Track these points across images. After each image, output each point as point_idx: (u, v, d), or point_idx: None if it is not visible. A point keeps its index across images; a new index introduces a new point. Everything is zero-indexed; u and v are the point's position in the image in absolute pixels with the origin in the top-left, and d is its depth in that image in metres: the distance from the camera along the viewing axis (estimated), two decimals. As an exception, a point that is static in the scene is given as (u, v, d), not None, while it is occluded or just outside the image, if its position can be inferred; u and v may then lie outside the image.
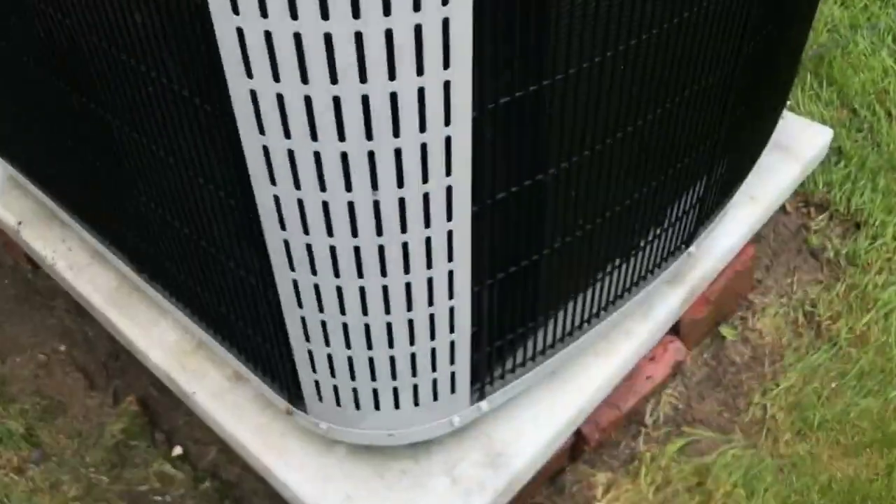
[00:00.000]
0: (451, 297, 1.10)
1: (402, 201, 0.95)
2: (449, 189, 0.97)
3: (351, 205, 0.95)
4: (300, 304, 1.09)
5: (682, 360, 1.91)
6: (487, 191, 1.02)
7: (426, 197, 0.96)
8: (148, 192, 1.25)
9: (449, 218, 0.99)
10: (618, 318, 1.54)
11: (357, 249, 1.00)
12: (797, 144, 1.97)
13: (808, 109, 2.59)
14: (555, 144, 1.07)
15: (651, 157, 1.25)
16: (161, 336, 1.61)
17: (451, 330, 1.15)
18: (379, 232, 0.98)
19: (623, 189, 1.25)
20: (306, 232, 0.99)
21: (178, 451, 1.87)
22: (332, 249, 1.00)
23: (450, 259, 1.05)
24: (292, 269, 1.04)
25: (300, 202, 0.95)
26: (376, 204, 0.95)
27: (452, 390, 1.26)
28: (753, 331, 2.06)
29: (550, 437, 1.43)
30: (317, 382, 1.22)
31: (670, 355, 1.88)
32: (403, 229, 0.98)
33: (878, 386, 1.88)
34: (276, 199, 0.96)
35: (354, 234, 0.98)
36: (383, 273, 1.03)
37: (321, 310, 1.09)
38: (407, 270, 1.03)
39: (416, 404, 1.25)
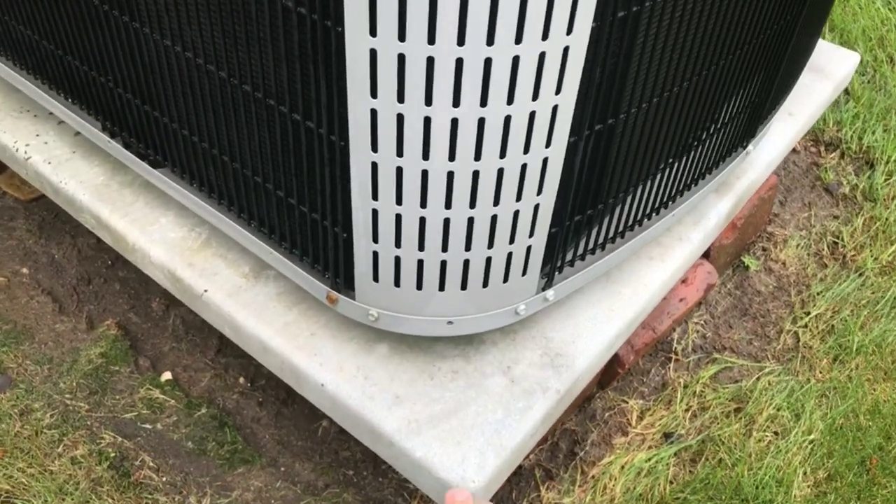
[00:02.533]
0: (548, 144, 0.96)
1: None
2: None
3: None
4: (374, 147, 0.93)
5: (713, 284, 1.81)
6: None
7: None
8: (173, 32, 1.07)
9: (569, 31, 0.85)
10: (676, 221, 1.43)
11: (459, 64, 0.84)
12: (829, 66, 1.91)
13: (816, 50, 2.54)
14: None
15: (734, 70, 1.14)
16: (162, 233, 1.41)
17: (539, 190, 1.01)
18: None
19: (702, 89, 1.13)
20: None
21: (167, 376, 1.66)
22: (430, 61, 0.84)
23: (558, 91, 0.90)
24: (374, 94, 0.88)
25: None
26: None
27: (524, 271, 1.12)
28: (776, 261, 1.98)
29: (610, 338, 1.30)
30: (375, 255, 1.06)
31: (702, 278, 1.78)
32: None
33: (911, 312, 1.82)
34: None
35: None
36: (483, 103, 0.88)
37: (399, 153, 0.93)
38: (511, 101, 0.88)
39: (485, 285, 1.10)
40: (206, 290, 1.33)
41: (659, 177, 1.26)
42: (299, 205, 1.10)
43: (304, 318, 1.28)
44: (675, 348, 1.78)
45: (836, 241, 2.02)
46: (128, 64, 1.20)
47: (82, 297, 1.83)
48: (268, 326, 1.27)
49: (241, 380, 1.68)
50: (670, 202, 1.35)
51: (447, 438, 1.15)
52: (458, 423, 1.16)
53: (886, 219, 2.05)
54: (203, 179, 1.27)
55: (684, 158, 1.29)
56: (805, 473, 1.52)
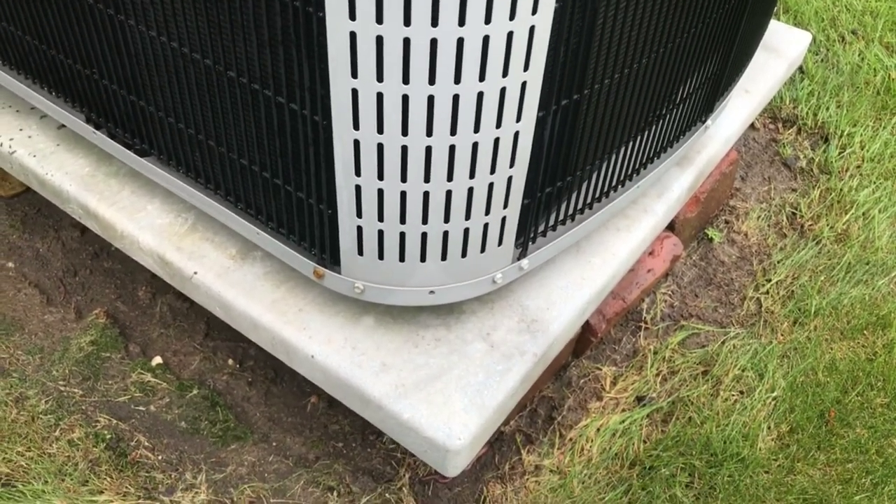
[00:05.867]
0: (518, 119, 1.03)
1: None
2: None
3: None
4: (356, 125, 0.99)
5: (679, 255, 1.90)
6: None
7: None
8: (158, 23, 1.12)
9: (534, 11, 0.92)
10: (641, 193, 1.51)
11: (433, 44, 0.91)
12: (782, 45, 2.00)
13: (772, 31, 2.64)
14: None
15: (691, 46, 1.22)
16: (150, 220, 1.47)
17: (512, 163, 1.08)
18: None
19: (662, 64, 1.21)
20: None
21: (157, 360, 1.72)
22: (406, 41, 0.91)
23: (525, 68, 0.97)
24: (354, 75, 0.94)
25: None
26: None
27: (500, 241, 1.19)
28: (738, 233, 2.07)
29: (582, 304, 1.38)
30: (359, 230, 1.12)
31: (668, 250, 1.87)
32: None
33: (866, 276, 1.93)
34: None
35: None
36: (457, 80, 0.95)
37: (380, 130, 0.99)
38: (482, 78, 0.95)
39: (464, 255, 1.17)
40: (195, 273, 1.38)
41: (624, 150, 1.34)
42: (285, 184, 1.16)
43: (292, 294, 1.34)
44: (645, 317, 1.86)
45: (795, 212, 2.12)
46: (114, 56, 1.25)
47: (69, 289, 1.87)
48: (257, 304, 1.33)
49: (230, 361, 1.73)
50: (634, 174, 1.43)
51: (432, 400, 1.22)
52: (442, 386, 1.24)
53: (840, 189, 2.15)
54: (190, 165, 1.32)
55: (647, 132, 1.37)
56: (769, 428, 1.61)
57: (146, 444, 1.57)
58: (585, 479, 1.56)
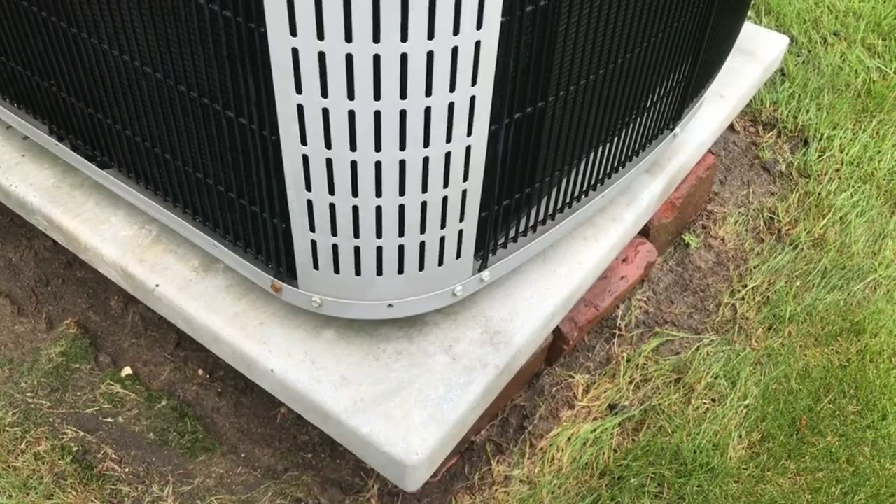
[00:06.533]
0: (469, 133, 1.02)
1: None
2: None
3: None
4: (303, 140, 0.98)
5: (653, 262, 1.89)
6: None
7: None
8: (109, 36, 1.11)
9: (479, 26, 0.91)
10: (607, 202, 1.50)
11: (377, 59, 0.90)
12: (758, 49, 1.99)
13: (752, 33, 2.63)
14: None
15: (654, 55, 1.21)
16: (113, 232, 1.46)
17: (465, 177, 1.07)
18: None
19: (625, 70, 1.20)
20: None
21: (127, 371, 1.71)
22: (349, 57, 0.90)
23: (473, 83, 0.96)
24: (299, 91, 0.93)
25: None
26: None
27: (458, 254, 1.18)
28: (716, 238, 2.06)
29: (547, 315, 1.37)
30: (314, 243, 1.11)
31: (642, 256, 1.86)
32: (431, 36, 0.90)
33: (841, 281, 1.92)
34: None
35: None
36: (402, 95, 0.94)
37: (328, 145, 0.98)
38: (429, 93, 0.94)
39: (421, 268, 1.16)
40: (157, 285, 1.37)
41: (587, 159, 1.33)
42: (239, 198, 1.15)
43: (253, 307, 1.33)
44: (619, 324, 1.85)
45: (773, 216, 2.11)
46: (69, 69, 1.24)
47: (41, 299, 1.86)
48: (218, 317, 1.32)
49: (201, 371, 1.72)
50: (599, 184, 1.42)
51: (391, 415, 1.21)
52: (401, 400, 1.23)
53: (819, 193, 2.14)
54: (149, 178, 1.31)
55: (611, 141, 1.36)
56: (740, 436, 1.61)
57: (113, 456, 1.56)
58: (555, 489, 1.55)
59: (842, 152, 2.26)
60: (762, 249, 2.02)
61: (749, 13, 2.73)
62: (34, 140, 1.52)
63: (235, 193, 1.15)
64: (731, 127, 2.39)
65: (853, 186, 2.16)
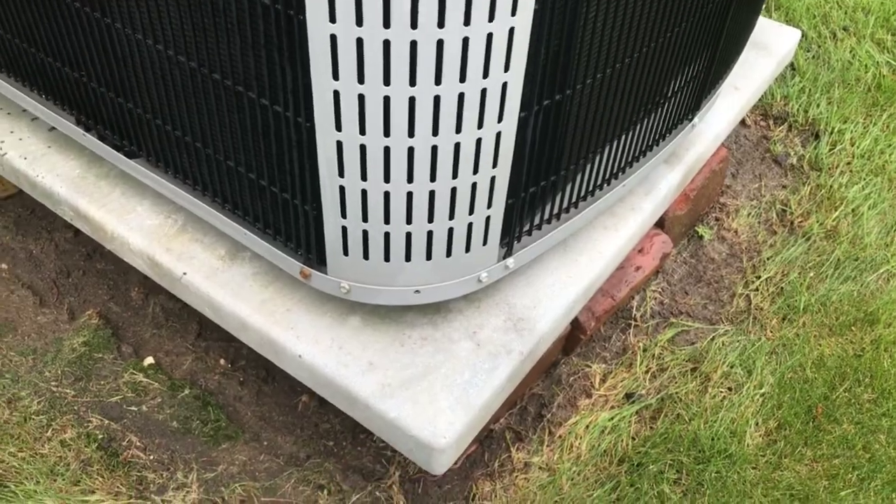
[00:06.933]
0: (500, 119, 1.04)
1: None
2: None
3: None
4: (338, 127, 1.00)
5: (669, 253, 1.91)
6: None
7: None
8: (144, 26, 1.13)
9: (513, 13, 0.93)
10: (628, 191, 1.52)
11: (413, 46, 0.92)
12: (772, 43, 2.01)
13: (763, 28, 2.65)
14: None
15: (676, 45, 1.23)
16: (140, 221, 1.47)
17: (495, 163, 1.09)
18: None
19: (648, 60, 1.22)
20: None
21: (149, 360, 1.73)
22: (387, 44, 0.92)
23: (506, 69, 0.98)
24: (335, 77, 0.95)
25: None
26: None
27: (485, 241, 1.20)
28: (729, 230, 2.08)
29: (569, 303, 1.39)
30: (344, 230, 1.13)
31: (658, 247, 1.88)
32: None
33: (854, 272, 1.93)
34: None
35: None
36: (437, 81, 0.95)
37: (363, 131, 1.00)
38: (463, 79, 0.96)
39: (448, 254, 1.18)
40: (184, 273, 1.39)
41: (609, 148, 1.35)
42: (270, 186, 1.17)
43: (280, 295, 1.35)
44: (635, 315, 1.87)
45: (785, 209, 2.12)
46: (101, 59, 1.26)
47: (62, 290, 1.88)
48: (245, 304, 1.34)
49: (222, 361, 1.74)
50: (620, 173, 1.44)
51: (418, 399, 1.23)
52: (427, 385, 1.25)
53: (830, 186, 2.16)
54: (177, 167, 1.33)
55: (632, 130, 1.38)
56: (757, 424, 1.62)
57: (138, 443, 1.58)
58: (574, 476, 1.57)
59: (853, 146, 2.28)
60: (775, 241, 2.04)
61: (759, 9, 2.75)
62: (61, 131, 1.54)
63: (267, 181, 1.17)
64: (742, 121, 2.41)
65: (865, 179, 2.18)
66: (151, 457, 1.57)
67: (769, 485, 1.53)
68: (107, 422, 1.61)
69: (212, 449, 1.60)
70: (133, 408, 1.64)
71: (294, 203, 1.16)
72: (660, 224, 1.91)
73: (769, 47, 2.00)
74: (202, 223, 1.46)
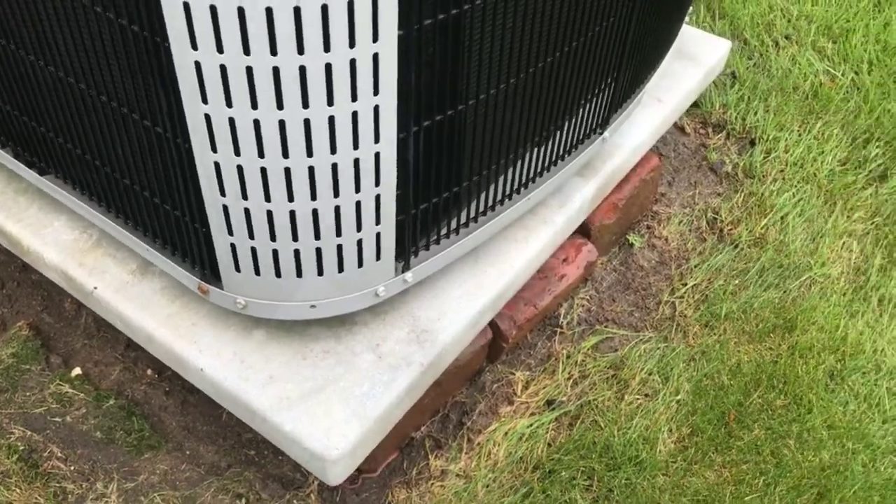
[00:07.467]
0: (377, 140, 1.06)
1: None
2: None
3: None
4: (213, 148, 1.03)
5: (594, 262, 1.93)
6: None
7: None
8: (35, 48, 1.15)
9: (375, 39, 0.95)
10: (534, 204, 1.54)
11: (276, 71, 0.94)
12: (700, 53, 2.04)
13: (704, 36, 2.68)
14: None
15: (571, 63, 1.25)
16: (55, 236, 1.50)
17: (377, 182, 1.11)
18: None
19: (543, 75, 1.24)
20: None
21: (77, 371, 1.75)
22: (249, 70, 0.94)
23: (375, 92, 1.01)
24: (205, 101, 0.97)
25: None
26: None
27: (378, 256, 1.23)
28: (659, 238, 2.11)
29: (475, 315, 1.42)
30: (233, 247, 1.16)
31: (583, 256, 1.91)
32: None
33: (777, 280, 1.97)
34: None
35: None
36: (305, 105, 0.98)
37: (237, 152, 1.03)
38: (331, 103, 0.99)
39: (341, 270, 1.21)
40: (95, 288, 1.41)
41: (510, 163, 1.38)
42: (163, 204, 1.20)
43: (186, 309, 1.38)
44: (562, 322, 1.90)
45: (716, 216, 2.16)
46: (4, 80, 1.28)
47: (-5, 301, 1.90)
48: (152, 318, 1.36)
49: (150, 371, 1.76)
50: (523, 188, 1.46)
51: (314, 412, 1.25)
52: (325, 397, 1.27)
53: (762, 194, 2.19)
54: (84, 184, 1.35)
55: (534, 146, 1.40)
56: (670, 430, 1.66)
57: (59, 454, 1.60)
58: (490, 482, 1.60)
59: (786, 153, 2.31)
60: (704, 249, 2.08)
61: (703, 17, 2.79)
62: (-21, 147, 1.56)
63: (159, 199, 1.20)
64: (681, 129, 2.44)
65: (795, 187, 2.22)
66: (72, 467, 1.59)
67: (677, 491, 1.56)
68: (29, 433, 1.63)
69: (134, 459, 1.62)
70: (57, 419, 1.66)
71: (185, 220, 1.18)
72: (586, 233, 1.94)
73: (697, 58, 2.03)
74: (116, 238, 1.48)
